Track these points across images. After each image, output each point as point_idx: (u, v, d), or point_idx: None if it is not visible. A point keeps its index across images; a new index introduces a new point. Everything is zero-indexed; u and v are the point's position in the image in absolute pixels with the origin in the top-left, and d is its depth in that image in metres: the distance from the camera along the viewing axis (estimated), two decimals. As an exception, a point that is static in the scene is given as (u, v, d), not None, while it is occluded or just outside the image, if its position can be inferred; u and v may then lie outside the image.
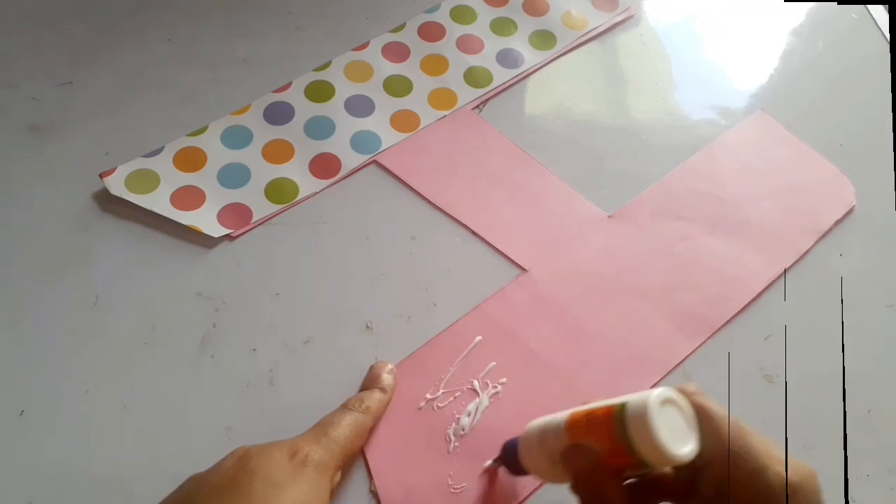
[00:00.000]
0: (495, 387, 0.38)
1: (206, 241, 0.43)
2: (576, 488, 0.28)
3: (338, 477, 0.32)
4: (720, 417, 0.27)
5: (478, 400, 0.38)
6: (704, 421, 0.27)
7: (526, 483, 0.35)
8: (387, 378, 0.37)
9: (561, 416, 0.30)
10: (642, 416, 0.26)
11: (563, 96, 0.51)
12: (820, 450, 0.37)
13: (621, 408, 0.27)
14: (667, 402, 0.26)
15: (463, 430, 0.37)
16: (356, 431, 0.33)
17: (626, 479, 0.28)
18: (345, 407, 0.35)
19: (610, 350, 0.40)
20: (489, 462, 0.35)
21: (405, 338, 0.40)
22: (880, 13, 0.58)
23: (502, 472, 0.35)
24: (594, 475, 0.27)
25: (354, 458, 0.34)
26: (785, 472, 0.25)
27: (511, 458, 0.33)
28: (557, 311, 0.41)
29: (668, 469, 0.28)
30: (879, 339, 0.41)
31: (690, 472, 0.27)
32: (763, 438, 0.27)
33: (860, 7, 0.57)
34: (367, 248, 0.43)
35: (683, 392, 0.28)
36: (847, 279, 0.43)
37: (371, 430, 0.36)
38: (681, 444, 0.26)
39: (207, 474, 0.29)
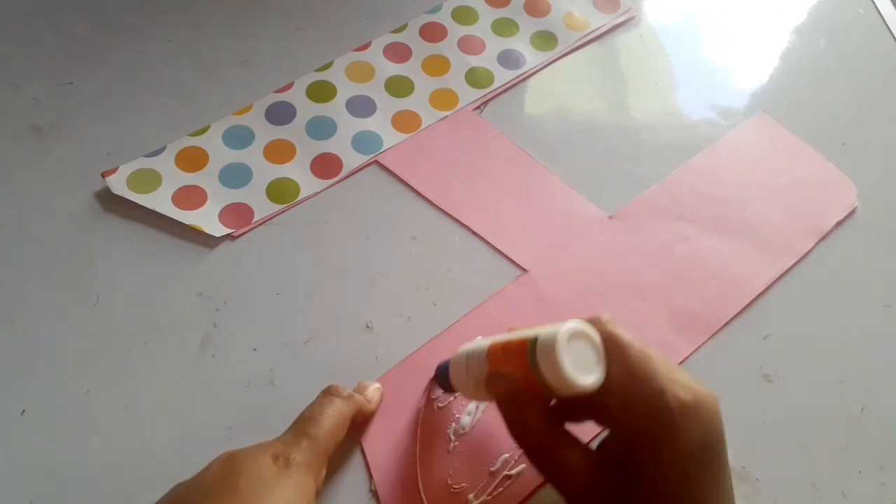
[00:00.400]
0: (496, 387, 0.38)
1: (207, 241, 0.43)
2: (500, 410, 0.30)
3: (323, 472, 0.32)
4: (627, 344, 0.28)
5: (478, 400, 0.38)
6: (611, 348, 0.28)
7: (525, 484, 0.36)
8: (373, 392, 0.37)
9: (483, 344, 0.32)
10: (550, 349, 0.27)
11: (563, 97, 0.51)
12: (814, 446, 0.37)
13: (533, 341, 0.29)
14: (576, 334, 0.28)
15: (463, 429, 0.37)
16: (337, 422, 0.33)
17: (548, 401, 0.30)
18: (326, 393, 0.34)
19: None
20: (429, 380, 0.38)
21: (405, 338, 0.40)
22: (887, 7, 0.58)
23: (437, 389, 0.38)
24: (515, 399, 0.30)
25: (339, 446, 0.33)
26: (682, 395, 0.27)
27: (443, 378, 0.36)
28: (558, 311, 0.41)
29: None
30: (877, 339, 0.41)
31: (601, 395, 0.28)
32: (667, 363, 0.28)
33: (868, 2, 0.57)
34: (368, 248, 0.43)
35: (596, 321, 0.29)
36: (846, 279, 0.43)
37: (368, 423, 0.36)
38: (586, 374, 0.28)
39: (193, 479, 0.29)
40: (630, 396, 0.27)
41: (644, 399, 0.27)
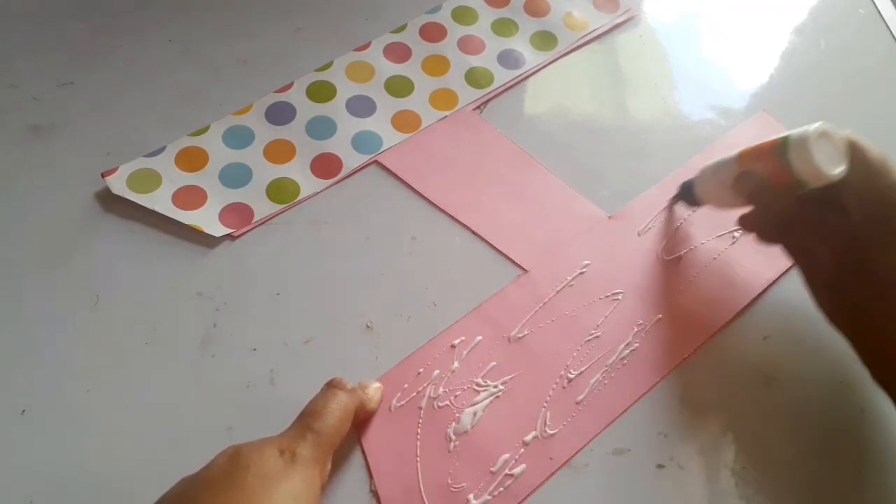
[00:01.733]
0: (496, 386, 0.38)
1: (207, 242, 0.43)
2: (752, 203, 0.37)
3: (328, 466, 0.32)
4: (866, 147, 0.34)
5: (478, 399, 0.38)
6: (852, 149, 0.34)
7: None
8: (374, 391, 0.37)
9: (730, 154, 0.38)
10: (803, 143, 0.33)
11: (563, 97, 0.51)
12: (815, 446, 0.37)
13: (784, 139, 0.34)
14: (823, 134, 0.33)
15: (463, 429, 0.37)
16: (341, 416, 0.33)
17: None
18: (329, 385, 0.34)
19: (610, 350, 0.40)
20: (669, 199, 0.45)
21: (405, 338, 0.40)
22: (887, 7, 0.58)
23: (679, 207, 0.45)
24: (765, 189, 0.36)
25: (343, 439, 0.33)
26: None
27: (687, 193, 0.42)
28: (557, 311, 0.41)
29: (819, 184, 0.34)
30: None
31: (839, 189, 0.34)
32: None
33: (868, 2, 0.57)
34: (368, 248, 0.43)
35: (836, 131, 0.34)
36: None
37: (368, 422, 0.36)
38: (833, 166, 0.33)
39: (200, 473, 0.29)
40: (868, 188, 0.34)
41: (882, 189, 0.33)
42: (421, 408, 0.37)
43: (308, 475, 0.30)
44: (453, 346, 0.39)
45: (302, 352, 0.39)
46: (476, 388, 0.38)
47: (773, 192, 0.36)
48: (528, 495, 0.35)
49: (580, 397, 0.38)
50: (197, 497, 0.28)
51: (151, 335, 0.39)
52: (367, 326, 0.40)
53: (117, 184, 0.43)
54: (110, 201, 0.43)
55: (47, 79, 0.49)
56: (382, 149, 0.47)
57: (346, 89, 0.49)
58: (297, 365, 0.39)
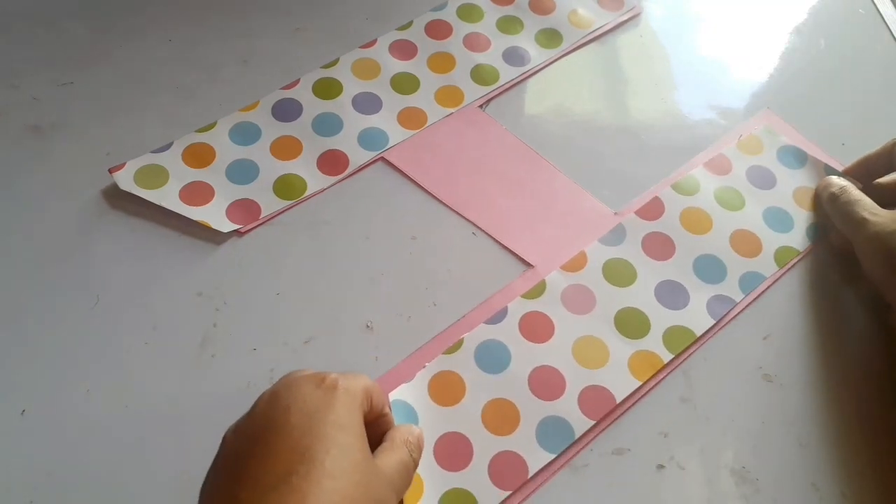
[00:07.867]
0: (497, 387, 0.38)
1: (209, 240, 0.43)
2: None
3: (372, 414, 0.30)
4: None
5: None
6: None
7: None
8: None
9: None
10: None
11: (566, 95, 0.51)
12: (814, 446, 0.37)
13: None
14: None
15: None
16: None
17: None
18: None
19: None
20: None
21: (405, 338, 0.40)
22: (887, 7, 0.58)
23: None
24: None
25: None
26: None
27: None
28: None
29: None
30: (876, 338, 0.41)
31: None
32: None
33: (868, 2, 0.57)
34: (369, 247, 0.43)
35: None
36: (846, 278, 0.43)
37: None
38: None
39: (241, 425, 0.28)
40: None
41: None
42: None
43: (351, 405, 0.28)
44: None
45: (302, 352, 0.39)
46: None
47: None
48: (529, 495, 0.35)
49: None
50: (249, 450, 0.27)
51: (151, 335, 0.39)
52: (368, 326, 0.40)
53: (125, 179, 0.43)
54: (110, 202, 0.43)
55: (47, 79, 0.49)
56: (388, 145, 0.47)
57: (353, 86, 0.49)
58: (297, 365, 0.38)
